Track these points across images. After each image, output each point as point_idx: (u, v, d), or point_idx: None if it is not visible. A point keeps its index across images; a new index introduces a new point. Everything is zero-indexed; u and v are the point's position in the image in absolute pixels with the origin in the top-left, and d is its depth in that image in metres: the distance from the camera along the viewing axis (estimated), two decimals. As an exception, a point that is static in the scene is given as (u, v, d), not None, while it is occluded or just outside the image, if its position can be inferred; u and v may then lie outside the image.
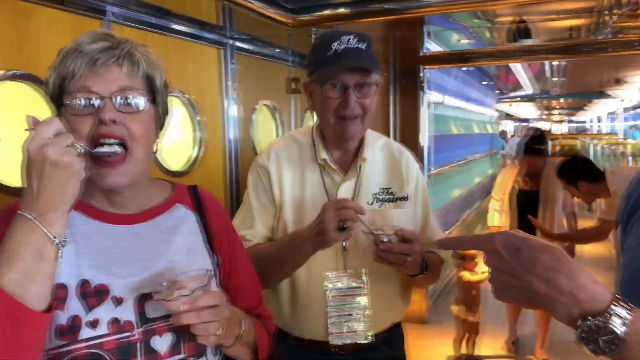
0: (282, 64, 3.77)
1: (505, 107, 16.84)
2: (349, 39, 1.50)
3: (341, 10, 3.14)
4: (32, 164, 0.86)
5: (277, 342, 1.67)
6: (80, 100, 0.96)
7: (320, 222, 1.39)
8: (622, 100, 15.83)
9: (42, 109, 1.80)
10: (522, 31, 4.80)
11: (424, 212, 1.73)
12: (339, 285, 1.57)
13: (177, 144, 2.88)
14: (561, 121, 28.56)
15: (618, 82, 10.61)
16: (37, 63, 1.97)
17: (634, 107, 17.88)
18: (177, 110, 2.87)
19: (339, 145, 1.63)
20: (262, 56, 3.56)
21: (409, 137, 4.72)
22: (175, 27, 2.74)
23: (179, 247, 1.09)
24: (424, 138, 4.75)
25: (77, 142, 0.89)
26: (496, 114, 11.99)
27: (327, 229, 1.36)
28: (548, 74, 8.61)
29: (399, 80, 4.76)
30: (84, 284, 0.98)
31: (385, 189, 1.66)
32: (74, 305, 0.96)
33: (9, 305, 0.81)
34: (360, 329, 1.59)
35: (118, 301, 0.99)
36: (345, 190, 1.62)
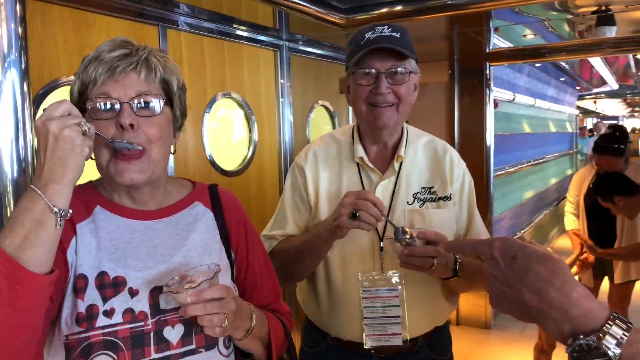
0: (340, 65, 3.78)
1: (589, 104, 15.88)
2: (383, 28, 1.50)
3: (398, 7, 3.08)
4: (39, 138, 0.91)
5: (317, 342, 1.69)
6: (100, 105, 1.02)
7: (337, 207, 1.40)
8: None
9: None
10: (603, 19, 4.49)
11: (470, 213, 1.67)
12: (374, 286, 1.55)
13: (233, 145, 2.96)
14: (655, 118, 26.50)
15: None
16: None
17: None
18: (233, 111, 2.95)
19: (374, 139, 1.60)
20: (318, 57, 3.58)
21: (473, 137, 4.57)
22: (231, 31, 2.82)
23: (194, 243, 1.14)
24: (490, 137, 4.58)
25: (85, 122, 0.93)
26: (576, 112, 11.33)
27: (340, 213, 1.37)
28: (634, 68, 8.02)
29: (463, 78, 4.62)
30: (102, 275, 1.04)
31: (427, 188, 1.61)
32: (92, 295, 1.02)
33: (8, 265, 0.86)
34: (395, 332, 1.56)
35: (133, 292, 1.04)
36: (383, 190, 1.58)
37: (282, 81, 3.19)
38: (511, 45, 5.05)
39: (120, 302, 1.03)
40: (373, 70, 1.48)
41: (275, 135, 3.20)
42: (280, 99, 3.20)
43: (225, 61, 2.82)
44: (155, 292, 1.06)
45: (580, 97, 11.84)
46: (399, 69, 1.48)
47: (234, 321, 1.04)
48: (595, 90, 11.43)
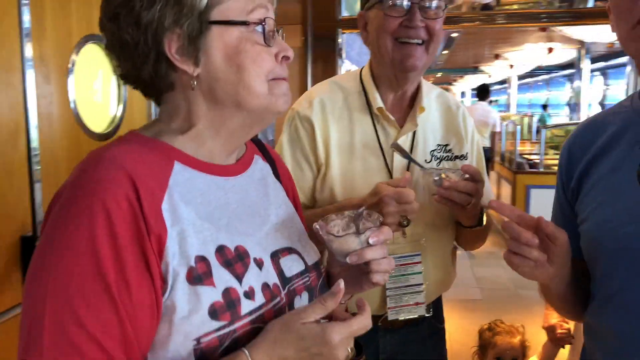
0: None
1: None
2: None
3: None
4: (315, 342, 0.79)
5: None
6: (262, 27, 0.86)
7: (373, 199, 1.23)
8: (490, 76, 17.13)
9: None
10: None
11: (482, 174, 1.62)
12: (396, 253, 1.39)
13: (100, 103, 2.46)
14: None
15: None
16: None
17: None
18: (103, 61, 2.44)
19: (395, 85, 1.43)
20: None
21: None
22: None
23: (275, 199, 1.02)
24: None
25: (352, 349, 0.85)
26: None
27: (388, 224, 1.18)
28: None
29: (316, 45, 4.57)
30: (222, 249, 0.83)
31: (443, 145, 1.50)
32: (222, 277, 0.80)
33: None
34: (418, 301, 1.43)
35: (259, 262, 0.87)
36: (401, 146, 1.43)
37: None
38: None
39: (255, 278, 0.84)
40: (405, 2, 1.30)
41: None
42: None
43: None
44: (275, 258, 0.91)
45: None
46: (435, 2, 1.32)
47: None
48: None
